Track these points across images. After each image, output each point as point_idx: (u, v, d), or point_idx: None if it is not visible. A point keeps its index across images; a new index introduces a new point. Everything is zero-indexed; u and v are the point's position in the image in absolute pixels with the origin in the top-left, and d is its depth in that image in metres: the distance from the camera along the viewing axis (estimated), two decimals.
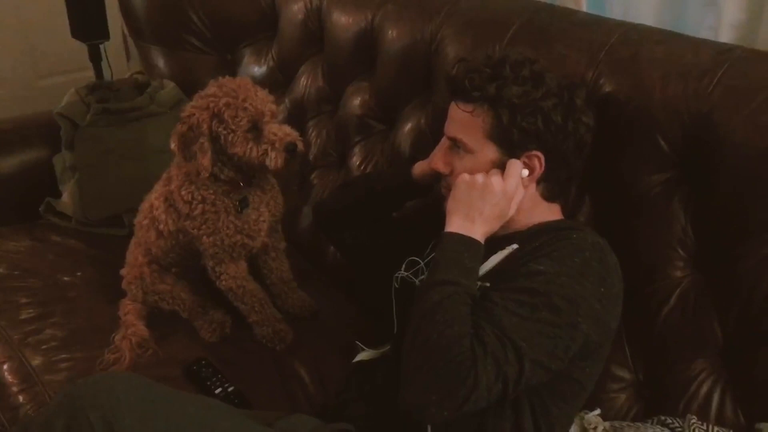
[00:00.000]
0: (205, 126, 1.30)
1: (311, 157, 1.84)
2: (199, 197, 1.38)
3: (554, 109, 1.10)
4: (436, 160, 1.20)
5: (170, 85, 1.99)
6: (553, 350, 0.99)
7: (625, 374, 1.24)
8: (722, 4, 1.38)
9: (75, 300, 1.61)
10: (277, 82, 1.92)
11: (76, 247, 1.81)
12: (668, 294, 1.19)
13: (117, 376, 1.18)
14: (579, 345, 1.02)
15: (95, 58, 2.37)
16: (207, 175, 1.33)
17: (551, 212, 1.18)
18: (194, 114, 1.31)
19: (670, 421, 1.13)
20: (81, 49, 2.36)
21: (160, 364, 1.43)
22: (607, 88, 1.23)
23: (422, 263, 1.22)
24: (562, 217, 1.20)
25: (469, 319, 0.98)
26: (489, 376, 0.94)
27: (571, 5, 1.59)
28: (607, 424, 1.15)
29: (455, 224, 1.08)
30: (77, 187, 1.86)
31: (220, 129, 1.30)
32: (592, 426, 1.13)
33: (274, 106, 1.34)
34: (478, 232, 1.07)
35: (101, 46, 2.37)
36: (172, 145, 1.34)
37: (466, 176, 1.10)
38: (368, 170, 1.69)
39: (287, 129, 1.33)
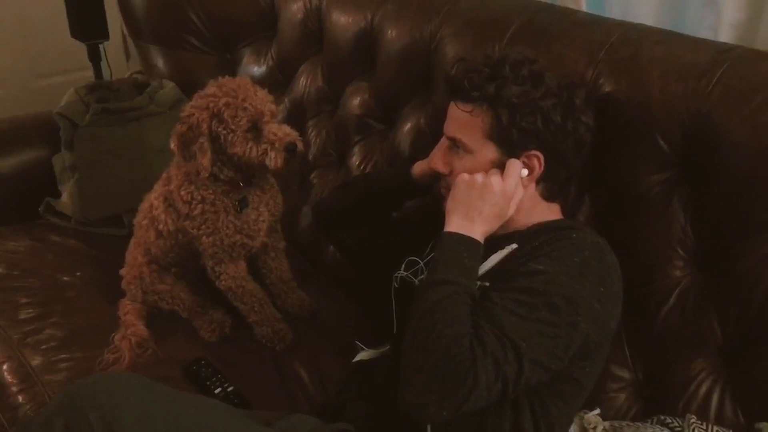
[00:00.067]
0: (204, 126, 1.30)
1: (311, 156, 1.84)
2: (199, 197, 1.38)
3: (554, 108, 1.10)
4: (436, 160, 1.20)
5: (169, 85, 1.99)
6: (553, 350, 0.99)
7: (624, 374, 1.24)
8: (722, 3, 1.38)
9: (74, 300, 1.61)
10: (277, 82, 1.92)
11: (76, 247, 1.81)
12: (668, 293, 1.19)
13: (116, 376, 1.18)
14: (578, 344, 1.02)
15: (94, 57, 2.37)
16: (207, 175, 1.33)
17: (551, 212, 1.18)
18: (194, 114, 1.31)
19: (670, 421, 1.13)
20: (80, 48, 2.36)
21: (159, 364, 1.43)
22: (607, 88, 1.23)
23: (422, 263, 1.22)
24: (562, 217, 1.20)
25: (468, 318, 0.98)
26: (488, 376, 0.94)
27: (570, 5, 1.59)
28: (606, 423, 1.15)
29: (455, 224, 1.08)
30: (77, 187, 1.86)
31: (219, 129, 1.30)
32: (592, 425, 1.13)
33: (273, 106, 1.34)
34: (478, 232, 1.07)
35: (100, 46, 2.37)
36: (172, 145, 1.34)
37: (465, 176, 1.10)
38: (368, 170, 1.69)
39: (287, 129, 1.33)
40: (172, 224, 1.44)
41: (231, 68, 2.02)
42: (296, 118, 1.86)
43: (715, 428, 1.10)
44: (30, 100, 2.64)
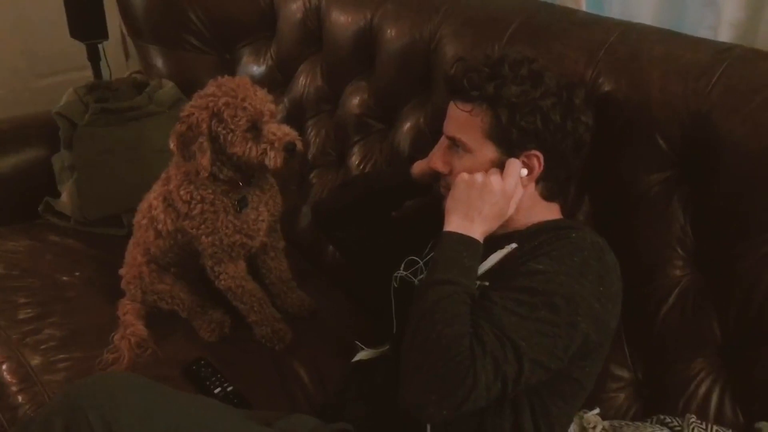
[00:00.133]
0: (204, 125, 1.30)
1: (310, 156, 1.83)
2: (198, 197, 1.38)
3: (553, 108, 1.10)
4: (435, 160, 1.20)
5: (169, 85, 1.98)
6: (553, 349, 0.99)
7: (624, 373, 1.24)
8: (721, 3, 1.38)
9: (74, 300, 1.61)
10: (276, 82, 1.92)
11: (75, 246, 1.81)
12: (667, 293, 1.19)
13: (116, 376, 1.19)
14: (578, 344, 1.02)
15: (94, 57, 2.37)
16: (206, 174, 1.33)
17: (550, 211, 1.18)
18: (193, 113, 1.31)
19: (669, 420, 1.13)
20: (79, 48, 2.36)
21: (159, 364, 1.43)
22: (606, 88, 1.23)
23: (421, 263, 1.22)
24: (561, 217, 1.19)
25: (468, 318, 0.98)
26: (488, 376, 0.94)
27: (570, 4, 1.59)
28: (606, 423, 1.15)
29: (454, 223, 1.08)
30: (76, 187, 1.85)
31: (219, 128, 1.30)
32: (592, 425, 1.13)
33: (273, 106, 1.34)
34: (477, 232, 1.07)
35: (100, 46, 2.37)
36: (171, 145, 1.33)
37: (465, 175, 1.10)
38: (367, 169, 1.69)
39: (286, 128, 1.33)
40: (172, 224, 1.43)
41: (230, 68, 2.02)
42: (295, 117, 1.85)
43: (715, 428, 1.10)
44: (29, 99, 2.65)
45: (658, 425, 1.12)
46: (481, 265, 1.08)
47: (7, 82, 2.85)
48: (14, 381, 1.39)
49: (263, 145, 1.30)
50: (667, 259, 1.19)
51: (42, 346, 1.46)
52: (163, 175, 1.47)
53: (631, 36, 1.26)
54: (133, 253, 1.55)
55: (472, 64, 1.14)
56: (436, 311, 0.98)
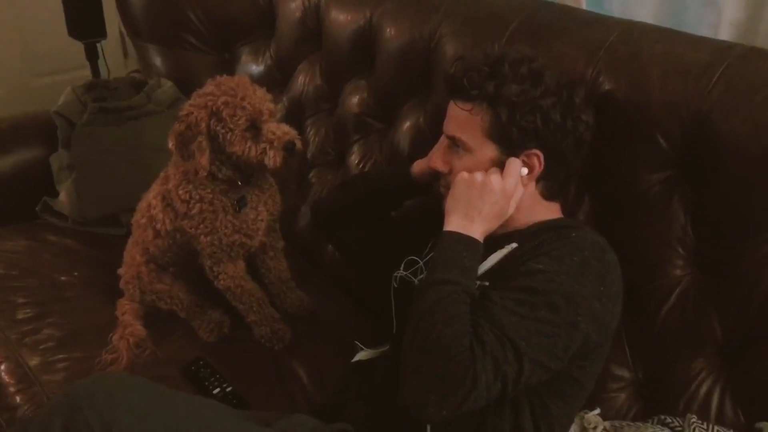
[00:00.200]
0: (203, 125, 1.29)
1: (309, 155, 1.83)
2: (197, 196, 1.38)
3: (553, 107, 1.10)
4: (435, 159, 1.19)
5: (167, 84, 1.98)
6: (553, 349, 0.99)
7: (624, 373, 1.24)
8: (722, 2, 1.38)
9: (72, 300, 1.60)
10: (275, 81, 1.92)
11: (74, 246, 1.80)
12: (668, 293, 1.19)
13: (115, 377, 1.18)
14: (578, 344, 1.01)
15: (92, 56, 2.37)
16: (205, 174, 1.33)
17: (550, 211, 1.17)
18: (192, 113, 1.30)
19: (670, 421, 1.13)
20: (78, 47, 2.36)
21: (157, 364, 1.42)
22: (607, 87, 1.22)
23: (421, 262, 1.21)
24: (562, 216, 1.19)
25: (468, 318, 0.98)
26: (488, 376, 0.94)
27: (570, 3, 1.59)
28: (607, 423, 1.15)
29: (454, 223, 1.08)
30: (74, 187, 1.85)
31: (218, 128, 1.30)
32: (592, 425, 1.13)
33: (272, 105, 1.34)
34: (477, 231, 1.07)
35: (98, 45, 2.37)
36: (170, 144, 1.33)
37: (465, 175, 1.10)
38: (367, 169, 1.68)
39: (285, 128, 1.33)
40: (170, 223, 1.43)
41: (229, 67, 2.01)
42: (295, 116, 1.85)
43: (716, 428, 1.10)
44: (27, 99, 2.64)
45: (659, 425, 1.12)
46: (481, 265, 1.08)
47: (5, 81, 2.84)
48: (13, 381, 1.39)
49: (262, 145, 1.30)
50: (667, 259, 1.19)
51: (41, 347, 1.46)
52: (162, 175, 1.47)
53: (631, 35, 1.26)
54: (132, 253, 1.55)
55: (472, 63, 1.14)
56: (436, 311, 0.98)
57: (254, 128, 1.30)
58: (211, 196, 1.38)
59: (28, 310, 1.56)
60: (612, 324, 1.08)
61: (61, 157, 1.90)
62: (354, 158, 1.72)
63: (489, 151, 1.12)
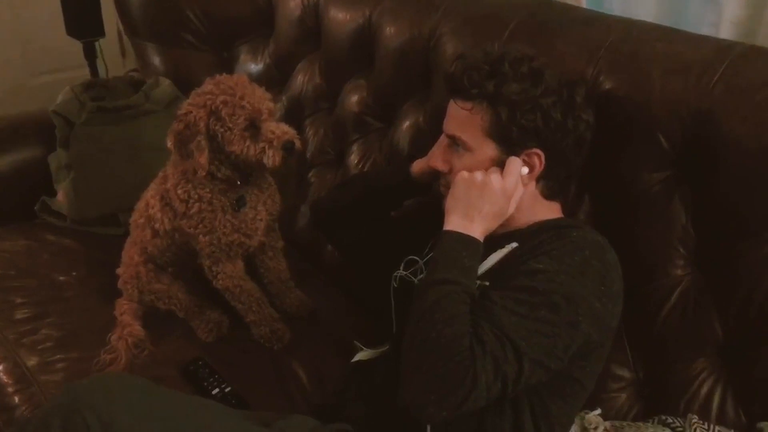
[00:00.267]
0: (202, 124, 1.29)
1: (309, 155, 1.83)
2: (196, 196, 1.37)
3: (554, 106, 1.09)
4: (435, 158, 1.19)
5: (166, 83, 1.97)
6: (553, 349, 0.99)
7: (625, 373, 1.24)
8: (723, 1, 1.38)
9: (71, 300, 1.60)
10: (274, 80, 1.91)
11: (72, 246, 1.80)
12: (669, 292, 1.19)
13: (113, 377, 1.18)
14: (579, 344, 1.01)
15: (90, 55, 2.37)
16: (204, 173, 1.32)
17: (551, 210, 1.17)
18: (191, 112, 1.30)
19: (671, 421, 1.13)
20: (76, 46, 2.35)
21: (156, 365, 1.42)
22: (607, 86, 1.22)
23: (421, 262, 1.21)
24: (562, 216, 1.19)
25: (468, 318, 0.97)
26: (488, 376, 0.94)
27: (570, 1, 1.58)
28: (607, 423, 1.15)
29: (454, 223, 1.07)
30: (72, 186, 1.84)
31: (217, 127, 1.29)
32: (593, 426, 1.13)
33: (271, 104, 1.33)
34: (477, 231, 1.07)
35: (96, 44, 2.36)
36: (169, 143, 1.33)
37: (465, 174, 1.10)
38: (366, 168, 1.68)
39: (285, 127, 1.32)
40: (169, 223, 1.43)
41: (228, 66, 2.01)
42: (294, 116, 1.85)
43: (717, 428, 1.09)
44: (25, 98, 2.63)
45: (659, 426, 1.12)
46: (481, 265, 1.07)
47: (3, 80, 2.84)
48: (11, 381, 1.39)
49: (261, 144, 1.30)
50: (668, 259, 1.19)
51: (39, 347, 1.46)
52: (161, 174, 1.47)
53: (631, 33, 1.26)
54: (130, 253, 1.54)
55: (472, 62, 1.13)
56: (435, 311, 0.98)
57: (253, 127, 1.30)
58: (209, 195, 1.37)
59: (26, 310, 1.56)
60: (612, 324, 1.08)
61: (60, 157, 1.89)
62: (353, 158, 1.71)
63: (489, 150, 1.11)
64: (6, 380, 1.39)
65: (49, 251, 1.77)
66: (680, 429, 1.10)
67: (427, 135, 1.49)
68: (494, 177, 1.08)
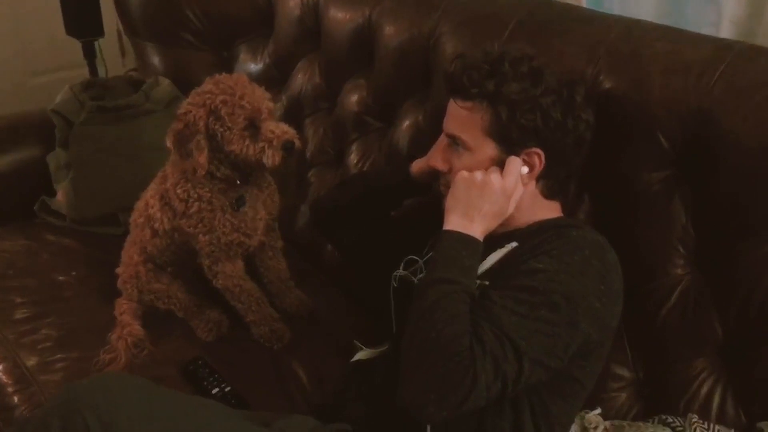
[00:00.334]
0: (201, 123, 1.29)
1: (308, 154, 1.83)
2: (195, 195, 1.37)
3: (553, 105, 1.09)
4: (435, 158, 1.19)
5: (165, 83, 1.97)
6: (553, 349, 0.99)
7: (625, 373, 1.24)
8: (722, 0, 1.38)
9: (70, 299, 1.60)
10: (274, 79, 1.91)
11: (71, 246, 1.80)
12: (669, 292, 1.19)
13: (113, 377, 1.18)
14: (579, 344, 1.01)
15: (90, 55, 2.36)
16: (203, 173, 1.32)
17: (551, 210, 1.17)
18: (191, 111, 1.30)
19: (671, 420, 1.13)
20: (75, 46, 2.35)
21: (156, 364, 1.42)
22: (607, 85, 1.22)
23: (421, 262, 1.21)
24: (562, 215, 1.19)
25: (467, 317, 0.97)
26: (488, 375, 0.94)
27: (570, 1, 1.58)
28: (607, 423, 1.15)
29: (454, 222, 1.07)
30: (72, 186, 1.84)
31: (216, 126, 1.29)
32: (593, 425, 1.13)
33: (270, 104, 1.33)
34: (477, 230, 1.07)
35: (96, 43, 2.36)
36: (168, 143, 1.32)
37: (464, 174, 1.10)
38: (366, 168, 1.68)
39: (284, 127, 1.32)
40: (168, 223, 1.43)
41: (227, 65, 2.01)
42: (293, 115, 1.85)
43: (717, 427, 1.09)
44: (25, 97, 2.63)
45: (659, 425, 1.12)
46: (481, 265, 1.07)
47: (2, 80, 2.83)
48: (10, 381, 1.39)
49: (261, 144, 1.29)
50: (668, 258, 1.19)
51: (38, 346, 1.46)
52: (160, 174, 1.46)
53: (631, 33, 1.26)
54: (130, 252, 1.54)
55: (472, 61, 1.13)
56: (435, 310, 0.98)
57: (253, 127, 1.30)
58: (209, 195, 1.37)
59: (25, 310, 1.55)
60: (612, 323, 1.08)
61: (59, 156, 1.89)
62: (353, 157, 1.71)
63: (489, 149, 1.11)
64: (5, 380, 1.39)
65: (48, 251, 1.77)
66: (680, 428, 1.10)
67: (427, 135, 1.48)
68: (494, 176, 1.08)
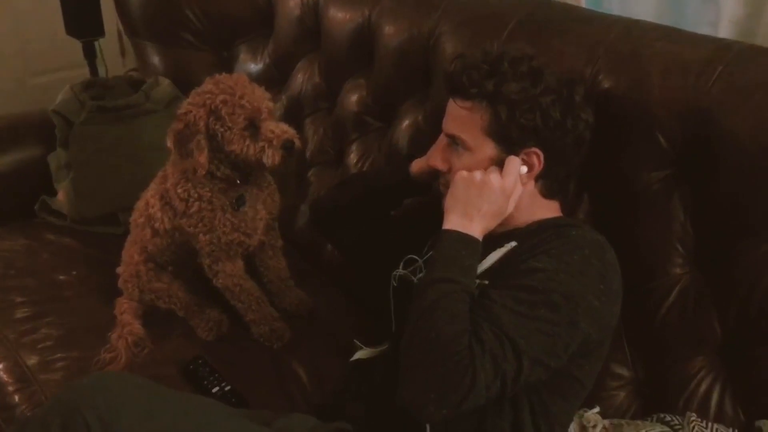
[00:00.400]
0: (201, 123, 1.29)
1: (308, 154, 1.83)
2: (196, 195, 1.37)
3: (553, 105, 1.09)
4: (434, 158, 1.19)
5: (165, 82, 1.97)
6: (552, 348, 0.99)
7: (624, 372, 1.24)
8: (722, 0, 1.38)
9: (70, 299, 1.60)
10: (274, 79, 1.91)
11: (72, 245, 1.80)
12: (668, 291, 1.19)
13: (113, 376, 1.18)
14: (578, 343, 1.01)
15: (90, 55, 2.36)
16: (203, 172, 1.32)
17: (550, 209, 1.17)
18: (191, 111, 1.30)
19: (670, 419, 1.13)
20: (75, 46, 2.35)
21: (156, 364, 1.42)
22: (606, 85, 1.22)
23: (420, 261, 1.21)
24: (561, 215, 1.19)
25: (467, 317, 0.98)
26: (487, 374, 0.94)
27: (570, 1, 1.58)
28: (606, 422, 1.15)
29: (453, 222, 1.07)
30: (72, 186, 1.84)
31: (216, 126, 1.29)
32: (592, 424, 1.13)
33: (270, 104, 1.33)
34: (477, 230, 1.07)
35: (96, 43, 2.36)
36: (169, 143, 1.33)
37: (464, 173, 1.10)
38: (366, 168, 1.68)
39: (284, 126, 1.32)
40: (169, 222, 1.43)
41: (227, 65, 2.01)
42: (293, 115, 1.85)
43: (716, 426, 1.09)
44: (25, 97, 2.64)
45: (658, 423, 1.12)
46: (480, 264, 1.07)
47: (2, 80, 2.83)
48: (11, 380, 1.39)
49: (261, 143, 1.30)
50: (667, 258, 1.19)
51: (39, 346, 1.46)
52: (160, 173, 1.47)
53: (630, 33, 1.26)
54: (130, 252, 1.54)
55: (472, 61, 1.13)
56: (435, 310, 0.98)
57: (253, 127, 1.30)
58: (209, 194, 1.37)
59: (26, 310, 1.56)
60: (612, 323, 1.08)
61: (59, 156, 1.89)
62: (353, 157, 1.71)
63: (488, 149, 1.11)
64: (6, 379, 1.39)
65: (49, 250, 1.77)
66: (679, 427, 1.10)
67: (427, 134, 1.48)
68: (493, 176, 1.08)
